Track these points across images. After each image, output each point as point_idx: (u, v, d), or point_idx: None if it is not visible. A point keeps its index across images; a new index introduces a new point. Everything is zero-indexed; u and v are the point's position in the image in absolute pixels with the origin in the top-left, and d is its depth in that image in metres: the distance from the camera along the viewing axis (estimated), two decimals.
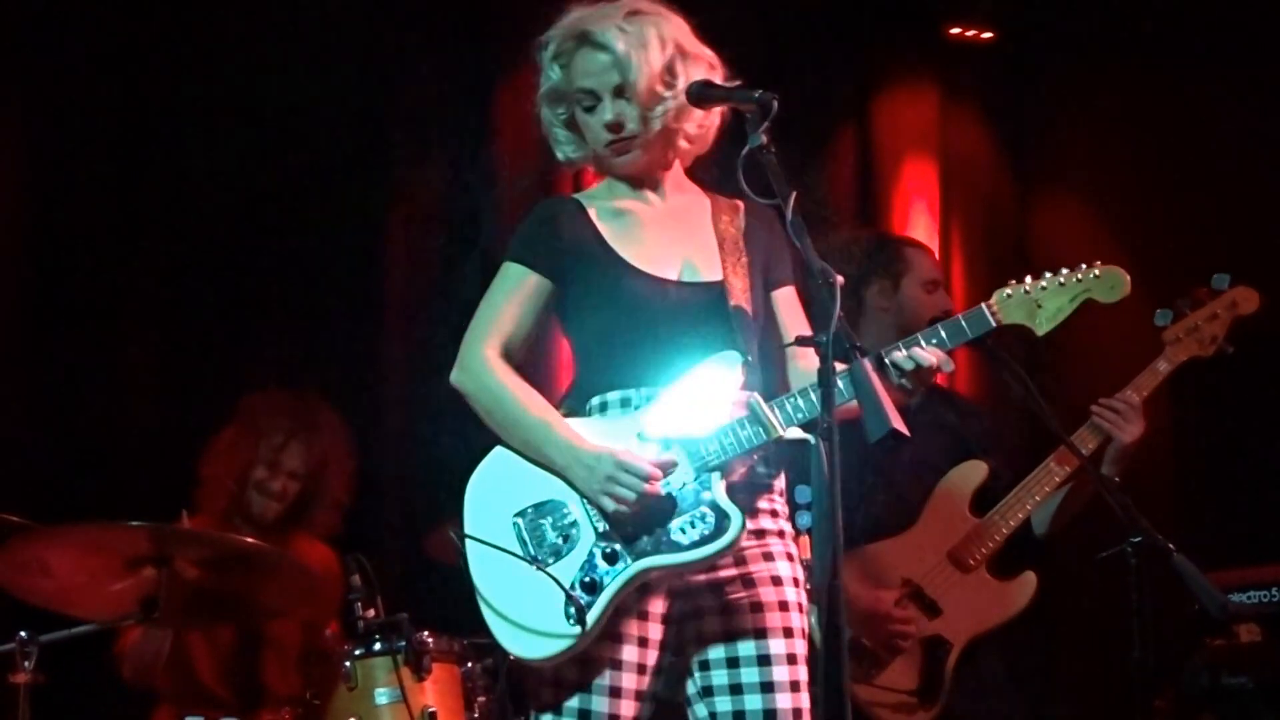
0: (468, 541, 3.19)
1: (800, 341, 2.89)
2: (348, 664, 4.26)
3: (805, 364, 3.24)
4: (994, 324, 3.19)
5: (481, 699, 4.45)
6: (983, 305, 3.21)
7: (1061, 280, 3.22)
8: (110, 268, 5.50)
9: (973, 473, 4.52)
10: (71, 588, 4.11)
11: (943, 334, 3.16)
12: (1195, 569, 3.81)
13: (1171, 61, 6.23)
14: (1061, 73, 6.65)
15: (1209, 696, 4.52)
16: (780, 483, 3.29)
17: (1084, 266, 3.24)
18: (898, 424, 2.76)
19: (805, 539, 3.72)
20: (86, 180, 5.47)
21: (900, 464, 4.48)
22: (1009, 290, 3.23)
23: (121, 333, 5.51)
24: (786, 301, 3.39)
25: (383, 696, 4.25)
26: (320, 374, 5.64)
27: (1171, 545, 3.86)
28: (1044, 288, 3.22)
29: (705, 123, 3.34)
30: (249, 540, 4.24)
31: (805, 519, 3.33)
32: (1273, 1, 5.85)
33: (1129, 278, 3.24)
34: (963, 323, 3.19)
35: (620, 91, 3.25)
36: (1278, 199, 5.89)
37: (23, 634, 3.93)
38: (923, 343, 3.13)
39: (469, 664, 4.46)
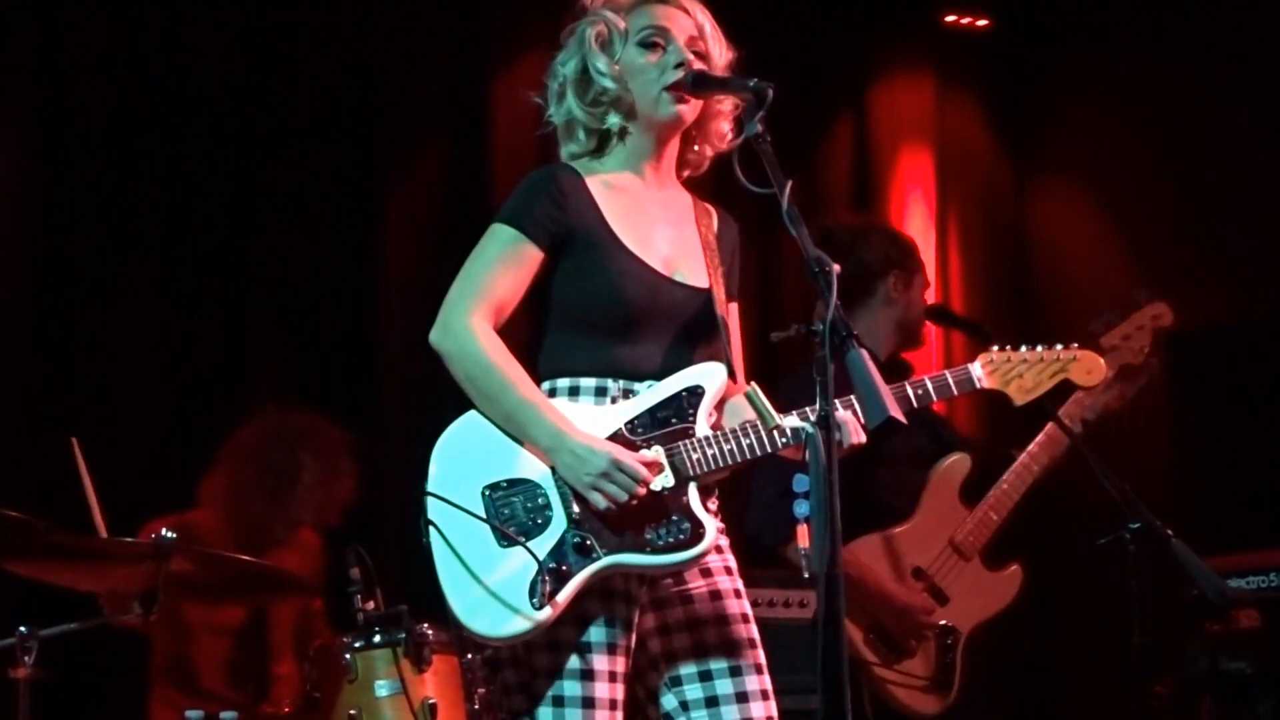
0: (432, 505, 3.13)
1: (799, 331, 2.88)
2: (348, 656, 4.26)
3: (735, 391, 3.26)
4: (979, 387, 3.29)
5: (481, 690, 4.44)
6: (969, 368, 3.29)
7: (1042, 357, 3.33)
8: (109, 262, 5.48)
9: (959, 464, 4.61)
10: (74, 578, 4.18)
11: (929, 387, 3.24)
12: (1194, 554, 3.84)
13: (1168, 48, 6.23)
14: (1058, 59, 6.65)
15: (1208, 682, 4.53)
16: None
17: (1061, 347, 3.34)
18: (895, 411, 2.78)
19: (804, 527, 3.72)
20: (84, 180, 5.45)
21: (893, 454, 4.50)
22: (993, 357, 3.31)
23: (120, 331, 5.50)
24: (733, 317, 3.36)
25: (383, 688, 4.25)
26: (320, 369, 5.64)
27: (1170, 531, 3.88)
28: (1025, 361, 3.32)
29: (723, 131, 3.31)
30: (242, 557, 4.29)
31: (803, 507, 3.31)
32: None
33: (1105, 365, 3.36)
34: (949, 380, 3.27)
35: (692, 44, 3.24)
36: (1274, 186, 5.89)
37: (23, 629, 3.92)
38: (909, 393, 3.19)
39: (469, 655, 4.45)
